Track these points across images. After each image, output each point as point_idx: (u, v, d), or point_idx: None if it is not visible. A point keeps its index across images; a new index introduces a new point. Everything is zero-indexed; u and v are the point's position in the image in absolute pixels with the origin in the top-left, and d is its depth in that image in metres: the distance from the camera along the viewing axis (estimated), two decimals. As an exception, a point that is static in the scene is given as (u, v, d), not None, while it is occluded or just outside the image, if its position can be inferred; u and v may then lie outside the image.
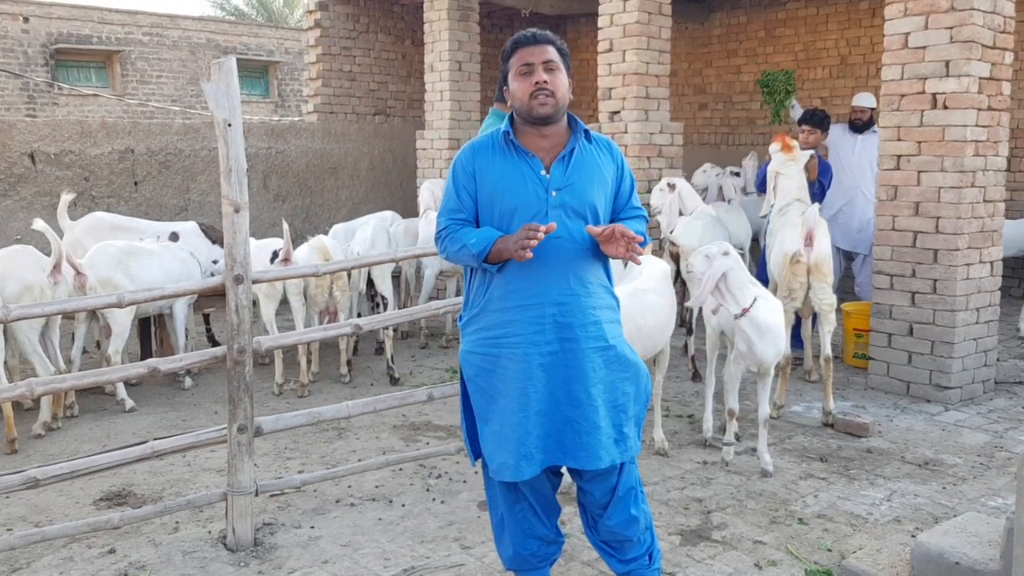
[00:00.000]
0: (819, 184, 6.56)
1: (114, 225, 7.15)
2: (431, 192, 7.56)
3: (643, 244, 3.01)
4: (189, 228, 7.24)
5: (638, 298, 4.38)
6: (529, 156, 2.81)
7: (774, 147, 6.12)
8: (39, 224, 5.41)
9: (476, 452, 3.03)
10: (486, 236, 2.76)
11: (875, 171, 7.25)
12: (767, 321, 4.40)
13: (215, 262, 6.80)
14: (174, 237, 6.98)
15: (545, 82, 2.75)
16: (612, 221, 2.94)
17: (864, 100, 7.57)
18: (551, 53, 2.79)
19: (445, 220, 2.87)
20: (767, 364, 4.52)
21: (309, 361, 6.36)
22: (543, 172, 2.80)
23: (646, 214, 3.06)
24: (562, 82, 2.80)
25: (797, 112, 7.83)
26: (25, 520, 4.07)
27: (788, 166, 6.01)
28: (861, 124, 7.41)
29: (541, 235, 2.61)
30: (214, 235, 7.15)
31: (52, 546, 3.76)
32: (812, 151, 6.48)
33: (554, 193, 2.77)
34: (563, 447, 2.83)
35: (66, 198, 6.80)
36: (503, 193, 2.78)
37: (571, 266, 2.78)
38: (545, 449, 2.83)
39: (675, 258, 6.91)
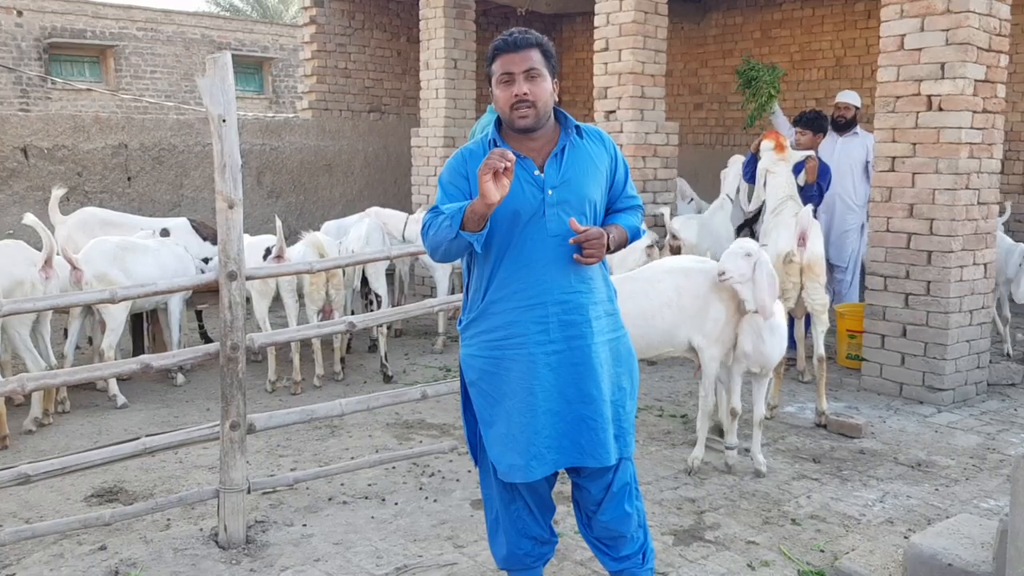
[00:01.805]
0: (817, 187, 6.52)
1: (105, 220, 7.12)
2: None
3: (638, 236, 3.01)
4: (180, 224, 7.21)
5: (624, 284, 4.39)
6: (520, 158, 2.77)
7: (767, 144, 6.08)
8: (30, 219, 5.38)
9: (479, 459, 3.02)
10: (459, 203, 2.70)
11: (856, 175, 7.13)
12: (778, 320, 4.41)
13: (206, 260, 6.78)
14: (165, 233, 6.96)
15: (525, 94, 2.71)
16: (608, 211, 2.93)
17: (849, 97, 7.33)
18: (533, 59, 2.73)
19: (430, 213, 2.80)
20: (772, 364, 4.53)
21: (312, 360, 6.34)
22: (536, 172, 2.77)
23: (641, 203, 3.05)
24: (544, 90, 2.75)
25: (779, 119, 7.60)
26: (15, 516, 4.04)
27: (779, 165, 5.99)
28: (844, 123, 7.17)
29: (510, 156, 2.53)
30: (205, 232, 7.13)
31: (42, 543, 3.74)
32: (811, 152, 6.43)
33: (550, 192, 2.75)
34: (580, 446, 2.81)
35: (57, 193, 6.77)
36: None
37: (572, 264, 2.75)
38: (560, 450, 2.81)
39: (675, 252, 6.89)
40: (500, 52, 2.76)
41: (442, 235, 2.69)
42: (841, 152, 7.08)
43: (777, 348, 4.45)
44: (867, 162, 7.06)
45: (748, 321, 4.37)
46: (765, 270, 4.25)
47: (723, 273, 4.27)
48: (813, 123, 6.76)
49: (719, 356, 4.50)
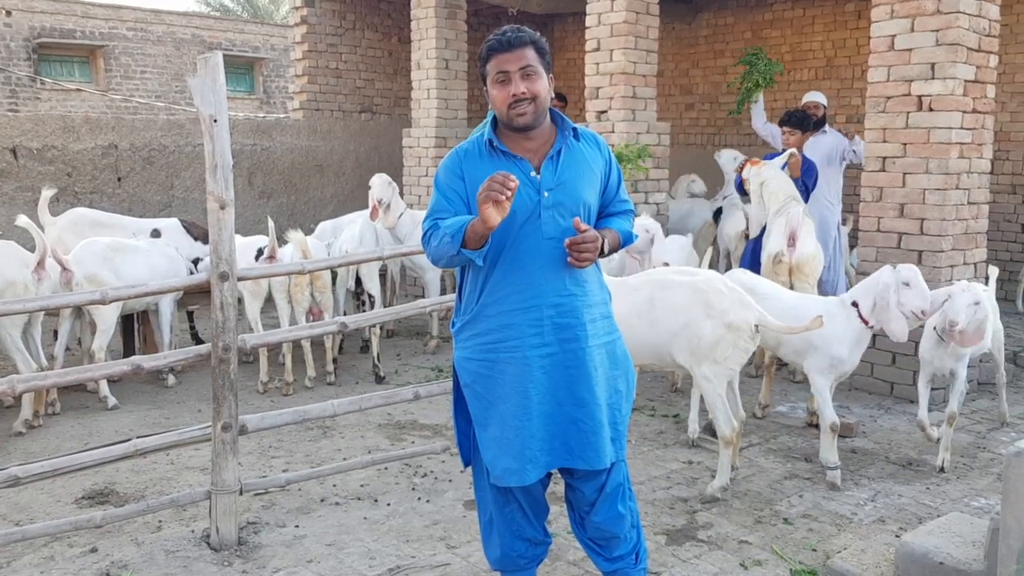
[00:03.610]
0: (802, 183, 6.56)
1: (95, 221, 7.09)
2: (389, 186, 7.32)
3: (630, 241, 3.01)
4: (171, 225, 7.19)
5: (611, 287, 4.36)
6: (517, 159, 2.77)
7: (747, 171, 6.18)
8: (23, 220, 5.35)
9: (468, 460, 3.02)
10: (460, 219, 2.69)
11: (830, 173, 7.17)
12: None
13: (196, 260, 6.76)
14: (156, 234, 6.93)
15: (524, 92, 2.70)
16: (600, 215, 2.93)
17: (818, 97, 7.57)
18: (528, 57, 2.72)
19: (430, 222, 2.80)
20: (849, 373, 4.68)
21: (303, 361, 6.32)
22: (533, 173, 2.77)
23: (633, 207, 3.05)
24: (541, 87, 2.74)
25: (758, 108, 7.78)
26: (6, 519, 4.02)
27: (764, 173, 6.03)
28: (815, 122, 7.21)
29: (512, 185, 2.50)
30: (196, 232, 7.11)
31: (33, 545, 3.73)
32: (793, 150, 6.50)
33: (546, 194, 2.74)
34: (570, 448, 2.81)
35: (47, 194, 6.74)
36: None
37: (566, 266, 2.74)
38: (551, 452, 2.81)
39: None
40: (495, 52, 2.74)
41: (444, 249, 2.70)
42: (812, 151, 7.11)
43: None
44: (842, 155, 7.25)
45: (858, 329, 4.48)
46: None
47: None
48: (802, 122, 6.83)
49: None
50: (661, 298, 4.17)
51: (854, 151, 7.28)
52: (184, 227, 7.16)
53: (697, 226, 8.35)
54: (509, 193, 2.51)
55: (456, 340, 2.92)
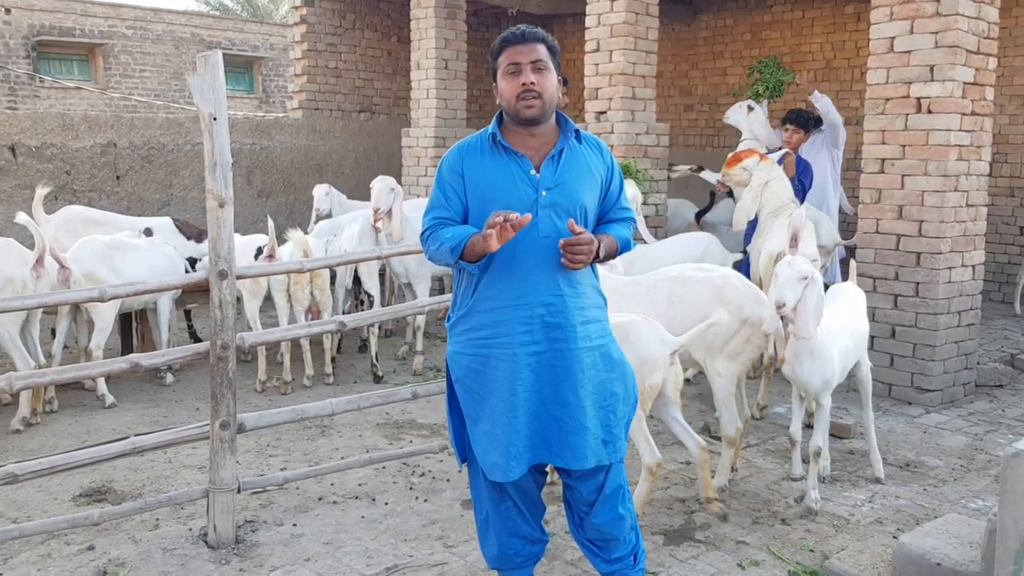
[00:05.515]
0: (799, 183, 6.57)
1: (88, 219, 7.08)
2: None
3: (628, 248, 3.01)
4: (163, 224, 7.18)
5: (626, 287, 4.34)
6: (518, 156, 2.79)
7: (750, 162, 6.15)
8: (22, 218, 5.35)
9: (463, 457, 3.02)
10: (461, 232, 2.73)
11: (829, 168, 7.32)
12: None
13: (191, 259, 6.75)
14: (148, 233, 6.92)
15: (532, 84, 2.73)
16: (600, 221, 2.93)
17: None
18: (540, 52, 2.76)
19: (429, 220, 2.84)
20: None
21: (302, 360, 6.32)
22: (533, 172, 2.78)
23: (634, 215, 3.06)
24: (550, 82, 2.77)
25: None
26: (2, 516, 4.02)
27: (774, 170, 6.03)
28: (815, 120, 7.34)
29: (500, 219, 2.56)
30: (189, 231, 7.10)
31: (30, 543, 3.72)
32: (786, 149, 6.53)
33: (544, 193, 2.76)
34: (549, 446, 2.83)
35: (41, 191, 6.73)
36: (493, 194, 2.76)
37: (560, 266, 2.75)
38: (532, 448, 2.82)
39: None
40: (507, 44, 2.77)
41: (441, 255, 2.77)
42: (807, 149, 7.22)
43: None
44: (832, 143, 7.43)
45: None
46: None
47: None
48: (806, 122, 6.88)
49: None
50: (679, 294, 4.26)
51: (839, 138, 7.45)
52: (177, 226, 7.16)
53: (680, 227, 8.48)
54: (500, 221, 2.58)
55: (450, 335, 2.95)
